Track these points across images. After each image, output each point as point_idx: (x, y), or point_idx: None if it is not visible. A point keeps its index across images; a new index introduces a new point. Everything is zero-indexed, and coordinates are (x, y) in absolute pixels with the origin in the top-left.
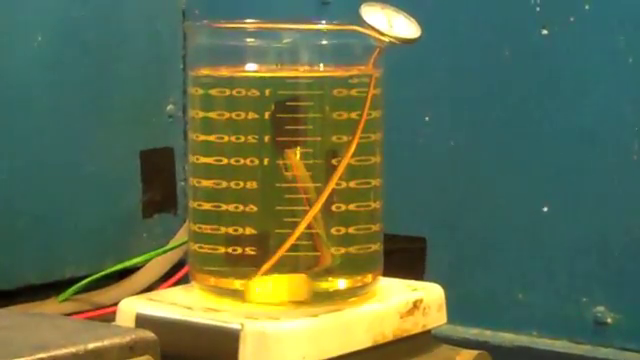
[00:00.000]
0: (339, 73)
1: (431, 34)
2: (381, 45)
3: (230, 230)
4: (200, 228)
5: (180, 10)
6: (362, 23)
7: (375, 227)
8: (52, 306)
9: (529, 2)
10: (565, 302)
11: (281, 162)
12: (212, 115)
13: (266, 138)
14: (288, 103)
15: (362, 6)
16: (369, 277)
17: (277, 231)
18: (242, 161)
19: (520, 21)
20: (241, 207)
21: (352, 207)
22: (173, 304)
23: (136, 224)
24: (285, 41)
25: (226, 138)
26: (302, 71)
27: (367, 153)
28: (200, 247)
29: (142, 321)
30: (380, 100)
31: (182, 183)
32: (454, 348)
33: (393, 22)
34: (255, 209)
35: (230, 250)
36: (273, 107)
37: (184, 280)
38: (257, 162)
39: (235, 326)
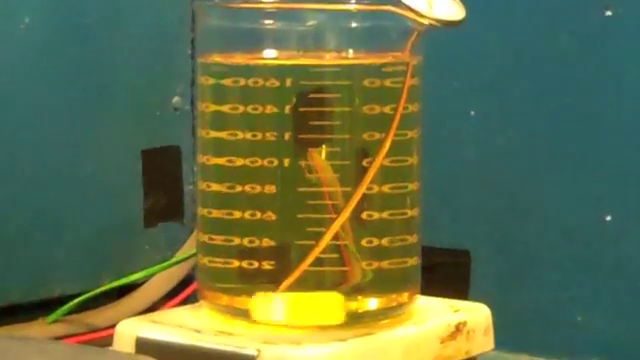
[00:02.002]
0: (371, 60)
1: (477, 16)
2: (420, 28)
3: (245, 241)
4: (210, 239)
5: None
6: (398, 3)
7: (412, 238)
8: (40, 328)
9: None
10: (631, 325)
11: (304, 163)
12: (225, 109)
13: (287, 135)
14: (312, 95)
15: None
16: (405, 296)
17: (299, 242)
18: (259, 162)
19: (580, 1)
20: (258, 215)
21: (385, 215)
22: (179, 326)
23: (137, 234)
24: (309, 23)
25: (241, 135)
26: (328, 58)
27: (403, 153)
28: (210, 261)
29: (143, 346)
30: (418, 92)
31: (190, 187)
32: None
33: (434, 2)
34: (274, 217)
35: (245, 264)
36: (295, 100)
37: (191, 299)
38: (276, 163)
39: (251, 352)
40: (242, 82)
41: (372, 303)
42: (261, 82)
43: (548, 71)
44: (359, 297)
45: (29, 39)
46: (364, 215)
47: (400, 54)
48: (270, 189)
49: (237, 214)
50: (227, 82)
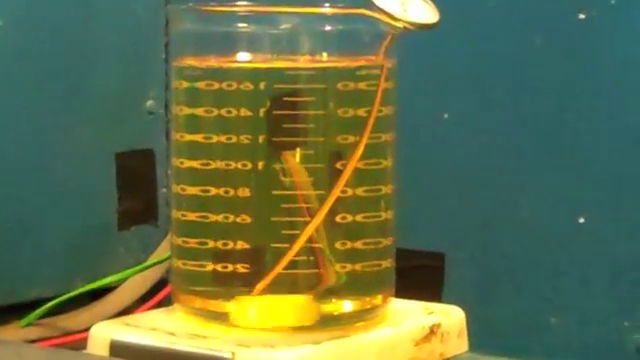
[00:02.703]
0: (345, 64)
1: (451, 19)
2: (394, 31)
3: (219, 244)
4: (185, 242)
5: None
6: (372, 6)
7: (386, 241)
8: (14, 331)
9: None
10: (605, 327)
11: (278, 166)
12: (199, 112)
13: (261, 138)
14: (286, 98)
15: None
16: (379, 298)
17: (273, 245)
18: (233, 165)
19: (553, 4)
20: (232, 218)
21: (359, 218)
22: (153, 329)
23: (111, 237)
24: (283, 27)
25: (215, 138)
26: (302, 61)
27: (377, 155)
28: (184, 264)
29: (117, 349)
30: (392, 95)
31: (164, 190)
32: None
33: (408, 5)
34: (248, 220)
35: (219, 267)
36: (269, 103)
37: (166, 302)
38: (250, 166)
39: (225, 355)
40: (216, 85)
41: (346, 305)
42: (235, 85)
43: (522, 74)
44: (333, 299)
45: (3, 42)
46: (338, 218)
47: (374, 57)
48: (244, 192)
49: (211, 217)
50: (201, 85)
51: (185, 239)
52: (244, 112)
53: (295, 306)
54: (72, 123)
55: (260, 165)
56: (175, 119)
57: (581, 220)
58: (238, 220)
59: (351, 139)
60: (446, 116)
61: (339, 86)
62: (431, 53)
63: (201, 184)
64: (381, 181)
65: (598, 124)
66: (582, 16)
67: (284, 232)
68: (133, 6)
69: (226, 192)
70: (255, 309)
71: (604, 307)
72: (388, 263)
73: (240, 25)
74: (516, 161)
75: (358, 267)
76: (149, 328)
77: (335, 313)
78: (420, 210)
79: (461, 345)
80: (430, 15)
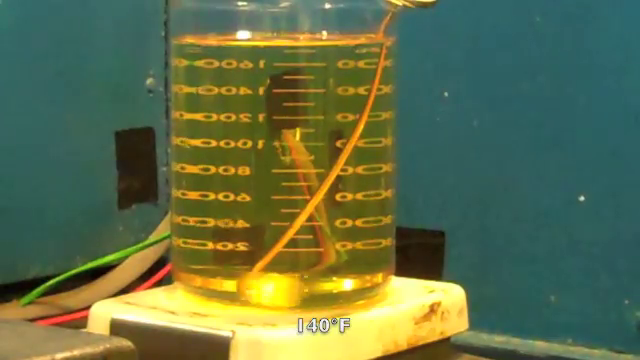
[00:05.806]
0: (345, 42)
1: None
2: (394, 9)
3: (219, 223)
4: (185, 220)
5: None
6: None
7: (386, 219)
8: (14, 310)
9: None
10: (605, 305)
11: (278, 144)
12: (198, 90)
13: (261, 117)
14: (286, 77)
15: None
16: (379, 277)
17: (273, 224)
18: (233, 143)
19: None
20: (232, 196)
21: (360, 196)
22: (153, 308)
23: (111, 216)
24: (283, 5)
25: (215, 117)
26: (302, 40)
27: (377, 134)
28: (184, 242)
29: (118, 327)
30: (392, 73)
31: (164, 169)
32: (477, 358)
33: None
34: (248, 199)
35: (219, 246)
36: (269, 81)
37: (166, 280)
38: (250, 144)
39: (225, 333)
40: (216, 64)
41: (347, 284)
42: (235, 64)
43: (522, 52)
44: (333, 278)
45: (1, 21)
46: (338, 196)
47: (374, 35)
48: (244, 171)
49: (211, 196)
50: (201, 64)
51: (185, 218)
52: (244, 90)
53: (293, 286)
54: (72, 102)
55: (260, 144)
56: (175, 97)
57: (581, 198)
58: (238, 199)
59: (351, 117)
60: (446, 94)
61: (339, 64)
62: (431, 31)
63: (201, 163)
64: (381, 159)
65: (598, 101)
66: None
67: (284, 211)
68: None
69: (226, 171)
70: (256, 287)
71: (604, 285)
72: (388, 241)
73: (240, 3)
74: (516, 139)
75: (358, 245)
76: (149, 306)
77: (335, 292)
78: (420, 188)
79: (461, 323)
80: None
